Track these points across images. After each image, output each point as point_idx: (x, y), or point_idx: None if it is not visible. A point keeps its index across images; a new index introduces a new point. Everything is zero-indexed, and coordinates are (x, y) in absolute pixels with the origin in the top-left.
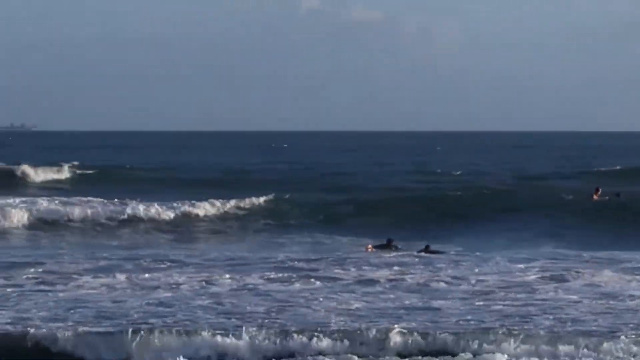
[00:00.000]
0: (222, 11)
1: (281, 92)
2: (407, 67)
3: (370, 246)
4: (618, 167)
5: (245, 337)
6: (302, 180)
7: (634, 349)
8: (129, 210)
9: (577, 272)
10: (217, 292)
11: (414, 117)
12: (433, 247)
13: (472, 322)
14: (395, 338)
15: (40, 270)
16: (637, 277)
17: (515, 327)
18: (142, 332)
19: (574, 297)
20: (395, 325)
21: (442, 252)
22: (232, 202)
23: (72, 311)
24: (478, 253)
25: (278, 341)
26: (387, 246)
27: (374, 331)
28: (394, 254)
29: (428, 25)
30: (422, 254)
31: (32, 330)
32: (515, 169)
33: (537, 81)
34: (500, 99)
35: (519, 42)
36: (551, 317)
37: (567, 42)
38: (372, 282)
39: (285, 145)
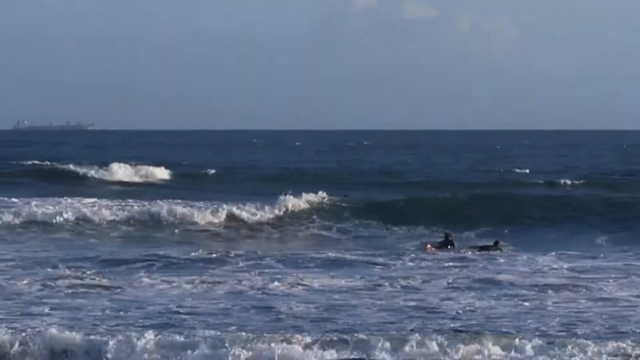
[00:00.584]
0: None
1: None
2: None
3: (430, 245)
4: None
5: None
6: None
7: None
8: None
9: None
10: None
11: (465, 115)
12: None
13: None
14: None
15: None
16: None
17: None
18: None
19: None
20: None
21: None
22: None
23: None
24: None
25: None
26: (446, 243)
27: None
28: (452, 253)
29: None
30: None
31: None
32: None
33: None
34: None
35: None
36: None
37: None
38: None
39: (351, 144)
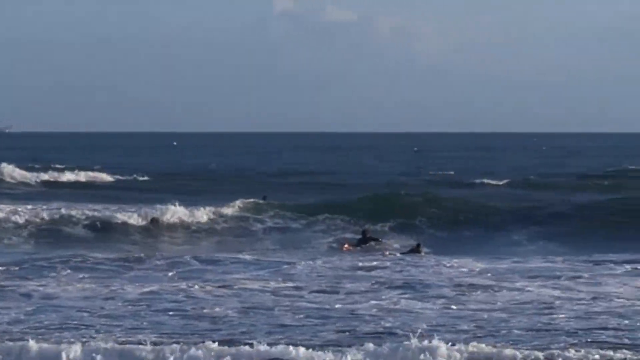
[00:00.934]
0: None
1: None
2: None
3: (347, 245)
4: None
5: None
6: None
7: None
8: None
9: None
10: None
11: (386, 117)
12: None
13: None
14: None
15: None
16: None
17: None
18: None
19: None
20: None
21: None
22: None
23: None
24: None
25: None
26: (364, 240)
27: None
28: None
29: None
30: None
31: None
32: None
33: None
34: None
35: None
36: None
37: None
38: None
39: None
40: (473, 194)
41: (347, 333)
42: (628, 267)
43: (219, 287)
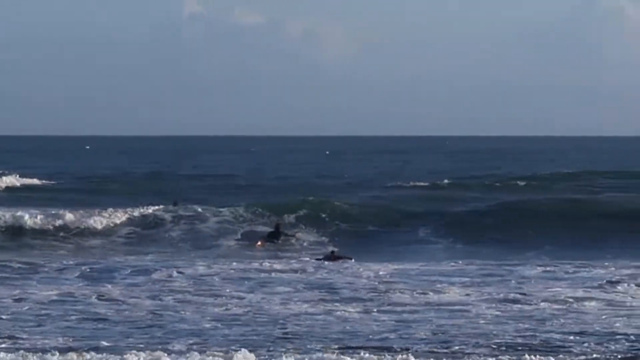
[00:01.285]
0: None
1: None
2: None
3: (260, 242)
4: None
5: None
6: None
7: None
8: None
9: None
10: None
11: (295, 121)
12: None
13: None
14: None
15: None
16: None
17: None
18: None
19: None
20: None
21: (349, 258)
22: None
23: None
24: None
25: None
26: (276, 233)
27: None
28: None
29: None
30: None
31: None
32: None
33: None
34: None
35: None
36: None
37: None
38: None
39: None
40: (389, 195)
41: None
42: (539, 269)
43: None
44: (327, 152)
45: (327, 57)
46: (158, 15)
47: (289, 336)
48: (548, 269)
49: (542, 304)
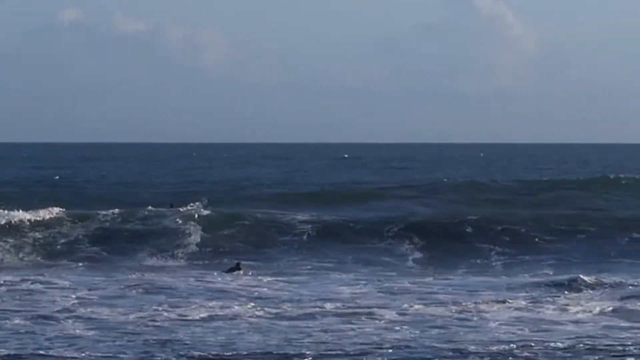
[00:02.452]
0: None
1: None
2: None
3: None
4: None
5: None
6: None
7: None
8: None
9: None
10: None
11: (177, 129)
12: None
13: None
14: None
15: None
16: None
17: None
18: None
19: None
20: None
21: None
22: None
23: None
24: None
25: None
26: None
27: None
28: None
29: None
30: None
31: None
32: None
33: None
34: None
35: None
36: None
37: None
38: None
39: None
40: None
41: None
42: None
43: None
44: (225, 155)
45: (208, 62)
46: (36, 22)
47: None
48: None
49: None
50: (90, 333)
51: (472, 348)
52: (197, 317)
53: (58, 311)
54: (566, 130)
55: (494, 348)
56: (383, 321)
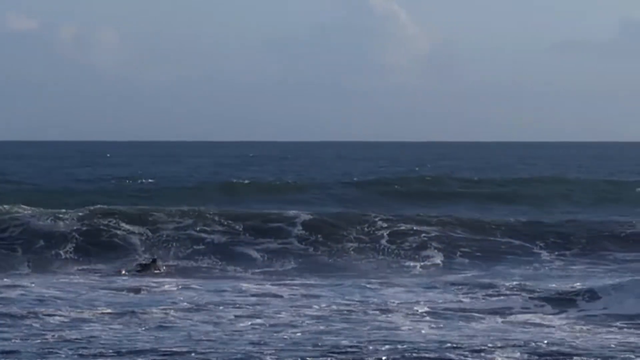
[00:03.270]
0: None
1: None
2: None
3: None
4: None
5: None
6: None
7: None
8: None
9: None
10: None
11: (74, 126)
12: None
13: None
14: None
15: None
16: None
17: None
18: None
19: None
20: None
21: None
22: None
23: None
24: None
25: None
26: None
27: None
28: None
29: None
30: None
31: None
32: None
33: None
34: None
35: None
36: None
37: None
38: None
39: None
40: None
41: None
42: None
43: None
44: (108, 155)
45: (101, 61)
46: None
47: None
48: None
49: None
50: None
51: None
52: None
53: None
54: (456, 128)
55: None
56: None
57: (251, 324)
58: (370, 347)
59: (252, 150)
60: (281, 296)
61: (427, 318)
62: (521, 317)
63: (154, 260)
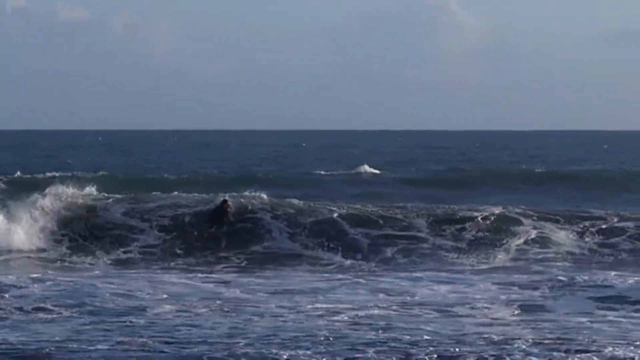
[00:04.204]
0: None
1: None
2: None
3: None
4: None
5: None
6: None
7: None
8: None
9: None
10: None
11: (137, 116)
12: None
13: None
14: None
15: None
16: None
17: None
18: None
19: None
20: None
21: None
22: None
23: None
24: None
25: None
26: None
27: None
28: None
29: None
30: None
31: None
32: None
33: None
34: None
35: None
36: None
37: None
38: None
39: None
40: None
41: None
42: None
43: None
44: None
45: (153, 51)
46: None
47: None
48: None
49: None
50: None
51: None
52: None
53: None
54: (511, 118)
55: None
56: None
57: None
58: None
59: (302, 140)
60: None
61: None
62: None
63: (225, 201)
